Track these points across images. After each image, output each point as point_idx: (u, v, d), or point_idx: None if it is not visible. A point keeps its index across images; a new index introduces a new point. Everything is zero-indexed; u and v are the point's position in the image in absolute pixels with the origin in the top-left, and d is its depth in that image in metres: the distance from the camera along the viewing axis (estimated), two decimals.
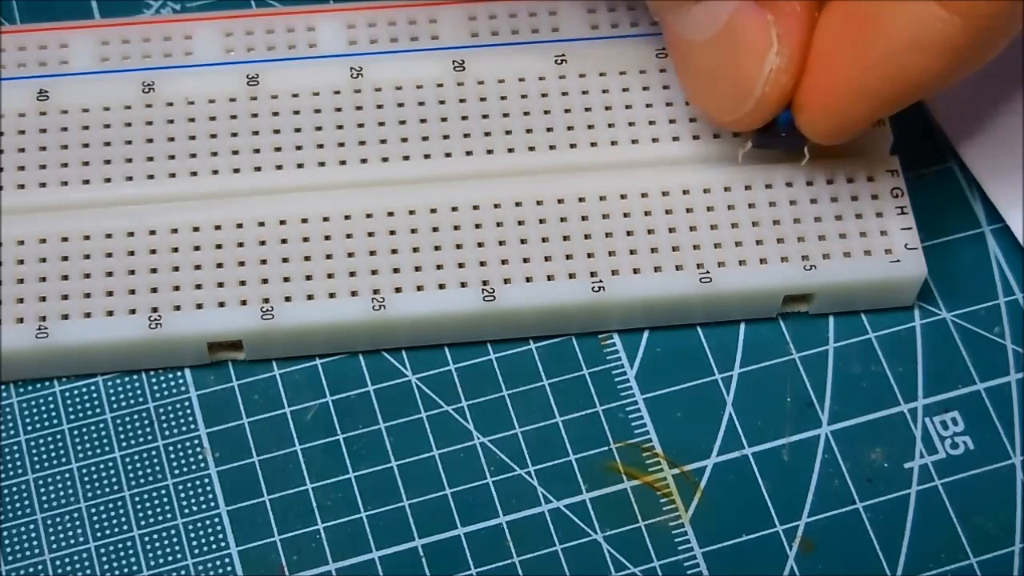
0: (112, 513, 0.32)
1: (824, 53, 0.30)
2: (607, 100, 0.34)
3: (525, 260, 0.33)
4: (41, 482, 0.32)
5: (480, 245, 0.33)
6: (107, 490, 0.32)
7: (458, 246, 0.33)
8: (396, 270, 0.32)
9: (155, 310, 0.32)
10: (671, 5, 0.31)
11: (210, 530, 0.32)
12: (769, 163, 0.33)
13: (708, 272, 0.33)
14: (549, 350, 0.33)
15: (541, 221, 0.33)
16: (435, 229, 0.33)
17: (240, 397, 0.33)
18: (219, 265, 0.32)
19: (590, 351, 0.33)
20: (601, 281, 0.32)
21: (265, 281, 0.32)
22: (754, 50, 0.30)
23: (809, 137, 0.31)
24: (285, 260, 0.33)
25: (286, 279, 0.32)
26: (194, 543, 0.32)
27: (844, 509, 0.32)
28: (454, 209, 0.33)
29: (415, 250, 0.33)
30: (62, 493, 0.32)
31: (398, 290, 0.32)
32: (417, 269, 0.33)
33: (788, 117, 0.31)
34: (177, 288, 0.32)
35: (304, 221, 0.33)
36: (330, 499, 0.32)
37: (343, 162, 0.33)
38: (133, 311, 0.32)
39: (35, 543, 0.32)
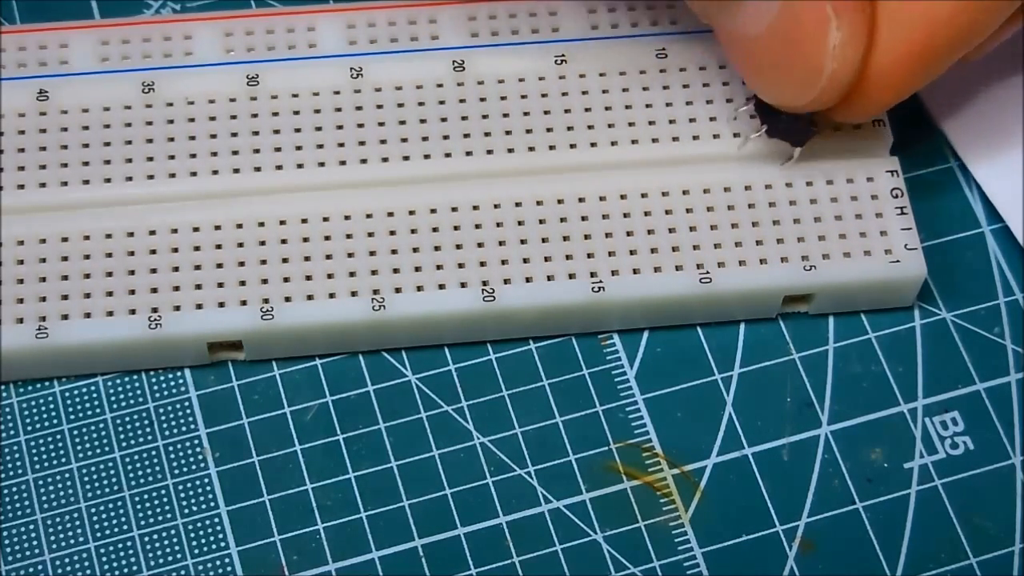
0: (112, 513, 0.32)
1: (884, 20, 0.30)
2: (607, 100, 0.34)
3: (525, 260, 0.33)
4: (41, 482, 0.32)
5: (480, 245, 0.33)
6: (107, 490, 0.32)
7: (458, 246, 0.33)
8: (396, 270, 0.32)
9: (155, 310, 0.32)
10: (719, 6, 0.30)
11: (210, 530, 0.32)
12: (769, 162, 0.33)
13: (708, 272, 0.33)
14: (549, 350, 0.33)
15: (541, 221, 0.33)
16: (435, 229, 0.33)
17: (240, 397, 0.33)
18: (219, 265, 0.32)
19: (590, 351, 0.33)
20: (601, 281, 0.32)
21: (265, 281, 0.32)
22: (814, 29, 0.29)
23: (860, 114, 0.31)
24: (285, 260, 0.33)
25: (286, 279, 0.32)
26: (194, 543, 0.32)
27: (844, 509, 0.32)
28: (454, 209, 0.33)
29: (415, 250, 0.33)
30: (62, 493, 0.32)
31: (398, 290, 0.32)
32: (417, 269, 0.33)
33: None
34: (177, 288, 0.32)
35: (304, 221, 0.33)
36: (330, 499, 0.32)
37: (343, 162, 0.33)
38: (133, 311, 0.32)
39: (35, 543, 0.32)
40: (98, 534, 0.32)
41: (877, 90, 0.31)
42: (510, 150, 0.34)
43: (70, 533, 0.32)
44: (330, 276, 0.32)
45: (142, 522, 0.32)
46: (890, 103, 0.31)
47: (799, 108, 0.31)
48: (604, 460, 0.32)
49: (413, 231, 0.33)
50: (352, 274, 0.32)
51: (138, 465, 0.32)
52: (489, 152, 0.34)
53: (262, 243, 0.33)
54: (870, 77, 0.30)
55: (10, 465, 0.32)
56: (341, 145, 0.33)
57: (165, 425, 0.33)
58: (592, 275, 0.33)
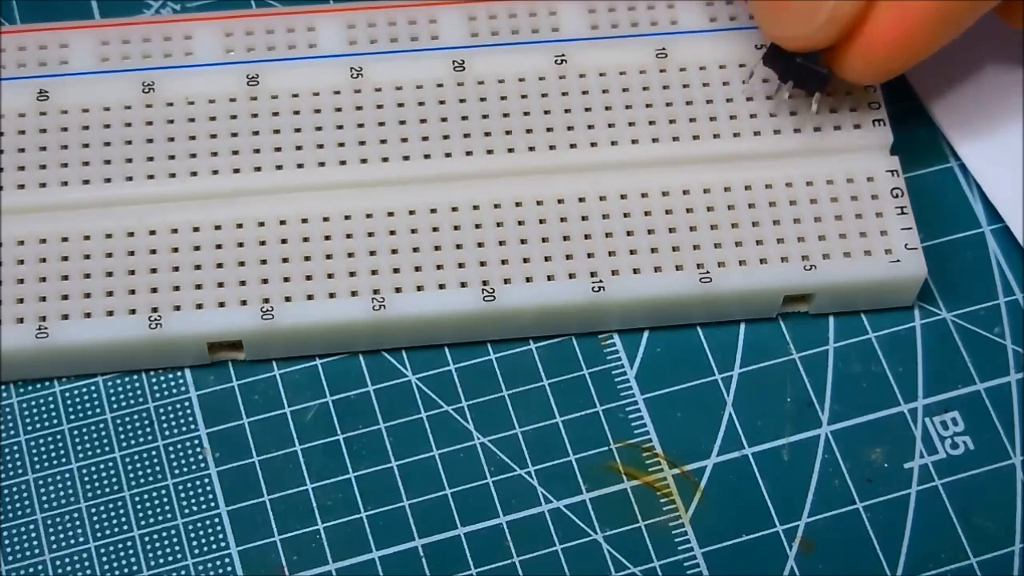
0: (112, 513, 0.32)
1: None
2: (607, 100, 0.34)
3: (525, 260, 0.33)
4: (41, 482, 0.32)
5: (480, 245, 0.33)
6: (107, 490, 0.32)
7: (458, 246, 0.33)
8: (396, 270, 0.33)
9: (155, 310, 0.32)
10: None
11: (210, 530, 0.32)
12: (768, 161, 0.33)
13: (708, 272, 0.33)
14: (549, 350, 0.33)
15: (541, 221, 0.33)
16: (435, 229, 0.33)
17: (240, 397, 0.33)
18: (219, 265, 0.32)
19: (590, 351, 0.33)
20: (601, 281, 0.32)
21: (265, 281, 0.32)
22: None
23: (858, 76, 0.32)
24: (285, 260, 0.33)
25: (286, 279, 0.32)
26: (194, 543, 0.32)
27: (844, 509, 0.32)
28: (454, 209, 0.33)
29: (415, 250, 0.33)
30: (62, 493, 0.32)
31: (398, 290, 0.32)
32: (417, 269, 0.33)
33: None
34: (177, 288, 0.32)
35: (304, 221, 0.33)
36: (330, 499, 0.32)
37: (343, 162, 0.33)
38: (133, 311, 0.32)
39: (35, 543, 0.32)
40: (98, 534, 0.32)
41: (881, 53, 0.31)
42: (510, 150, 0.34)
43: (70, 533, 0.32)
44: (330, 276, 0.32)
45: (142, 522, 0.32)
46: (894, 70, 0.32)
47: (800, 43, 0.31)
48: (604, 460, 0.32)
49: (413, 231, 0.33)
50: (352, 274, 0.32)
51: (138, 465, 0.32)
52: (489, 152, 0.34)
53: (262, 243, 0.33)
54: (869, 41, 0.31)
55: (10, 465, 0.32)
56: (341, 145, 0.33)
57: (165, 425, 0.33)
58: (592, 275, 0.33)
